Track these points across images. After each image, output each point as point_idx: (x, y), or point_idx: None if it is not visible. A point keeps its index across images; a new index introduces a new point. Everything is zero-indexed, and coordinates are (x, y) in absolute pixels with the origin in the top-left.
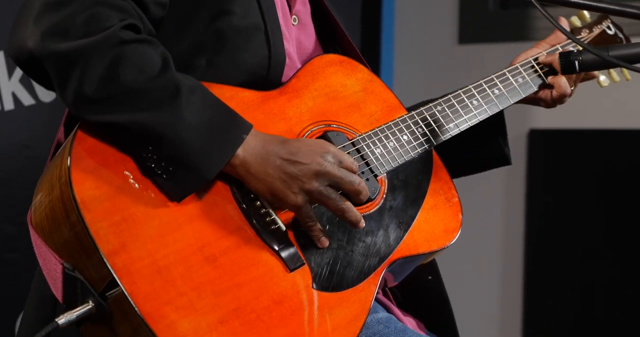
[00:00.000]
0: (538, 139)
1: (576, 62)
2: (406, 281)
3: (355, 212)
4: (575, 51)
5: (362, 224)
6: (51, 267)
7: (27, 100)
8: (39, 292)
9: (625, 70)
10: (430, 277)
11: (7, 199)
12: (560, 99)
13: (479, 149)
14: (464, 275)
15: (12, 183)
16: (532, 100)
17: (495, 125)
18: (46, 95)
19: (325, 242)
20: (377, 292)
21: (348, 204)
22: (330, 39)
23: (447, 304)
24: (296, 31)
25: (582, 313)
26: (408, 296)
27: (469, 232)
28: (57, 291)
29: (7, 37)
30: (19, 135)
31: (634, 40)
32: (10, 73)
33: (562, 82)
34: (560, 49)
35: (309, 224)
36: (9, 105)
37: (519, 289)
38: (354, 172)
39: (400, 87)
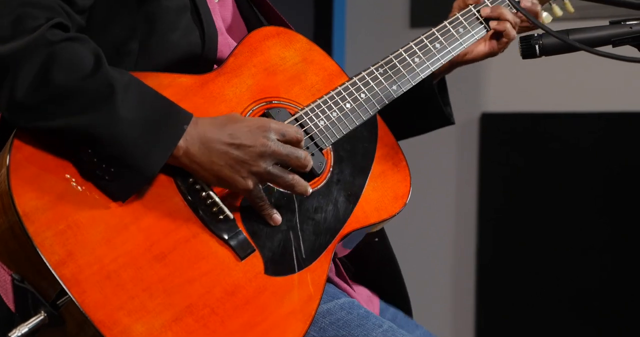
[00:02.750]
0: (490, 122)
1: (537, 46)
2: (355, 255)
3: (303, 183)
4: (535, 35)
5: (309, 190)
6: (0, 278)
7: None
8: None
9: (567, 3)
10: (376, 239)
11: None
12: (506, 45)
13: (420, 110)
14: (416, 261)
15: None
16: (479, 56)
17: (436, 87)
18: None
19: (278, 219)
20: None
21: (296, 178)
22: (252, 12)
23: (395, 266)
24: (219, 8)
25: (535, 299)
26: (357, 262)
27: (422, 217)
28: (9, 301)
29: None
30: None
31: (591, 23)
32: None
33: (508, 26)
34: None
35: (260, 204)
36: None
37: (471, 273)
38: (299, 141)
39: (352, 72)
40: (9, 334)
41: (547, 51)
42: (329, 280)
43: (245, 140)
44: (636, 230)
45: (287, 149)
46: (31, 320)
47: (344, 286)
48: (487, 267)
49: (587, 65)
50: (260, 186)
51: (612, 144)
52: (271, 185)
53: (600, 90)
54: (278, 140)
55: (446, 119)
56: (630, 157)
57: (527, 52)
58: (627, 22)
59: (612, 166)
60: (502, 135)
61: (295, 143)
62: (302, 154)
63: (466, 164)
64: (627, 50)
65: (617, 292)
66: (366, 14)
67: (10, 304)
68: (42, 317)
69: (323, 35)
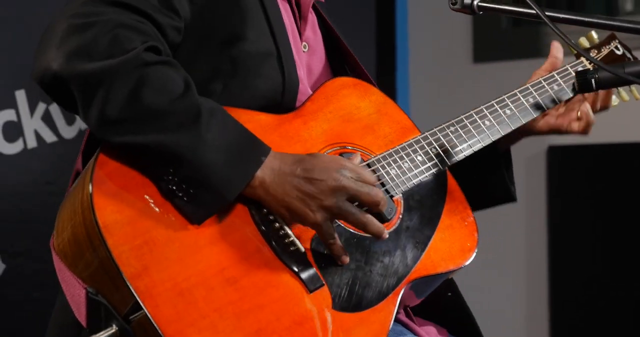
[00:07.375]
0: (557, 155)
1: (593, 80)
2: (426, 299)
3: (377, 224)
4: (591, 69)
5: (386, 235)
6: (75, 292)
7: (49, 137)
8: (60, 318)
9: (634, 90)
10: (449, 294)
11: (30, 235)
12: (584, 128)
13: (485, 185)
14: (488, 295)
15: (36, 219)
16: (546, 129)
17: (502, 160)
18: (68, 132)
19: (346, 259)
20: (398, 313)
21: (369, 217)
22: (340, 64)
23: (470, 317)
24: (306, 57)
25: (607, 331)
26: (428, 311)
27: (493, 252)
28: (81, 315)
29: (28, 74)
30: (42, 172)
31: None
32: (32, 111)
33: (584, 108)
34: (570, 70)
35: (330, 242)
36: (32, 143)
37: (544, 306)
38: (372, 184)
39: (417, 107)
40: None
41: (603, 85)
42: (397, 320)
43: (318, 174)
44: None
45: (357, 185)
46: (102, 332)
47: (412, 325)
48: (560, 305)
49: None
50: (332, 224)
51: None
52: (342, 224)
53: None
54: (351, 177)
55: (509, 195)
56: None
57: (584, 86)
58: None
59: None
60: (570, 168)
61: (369, 184)
62: (372, 189)
63: (535, 198)
64: None
65: None
66: (429, 50)
67: (82, 318)
68: (113, 330)
69: (386, 70)
